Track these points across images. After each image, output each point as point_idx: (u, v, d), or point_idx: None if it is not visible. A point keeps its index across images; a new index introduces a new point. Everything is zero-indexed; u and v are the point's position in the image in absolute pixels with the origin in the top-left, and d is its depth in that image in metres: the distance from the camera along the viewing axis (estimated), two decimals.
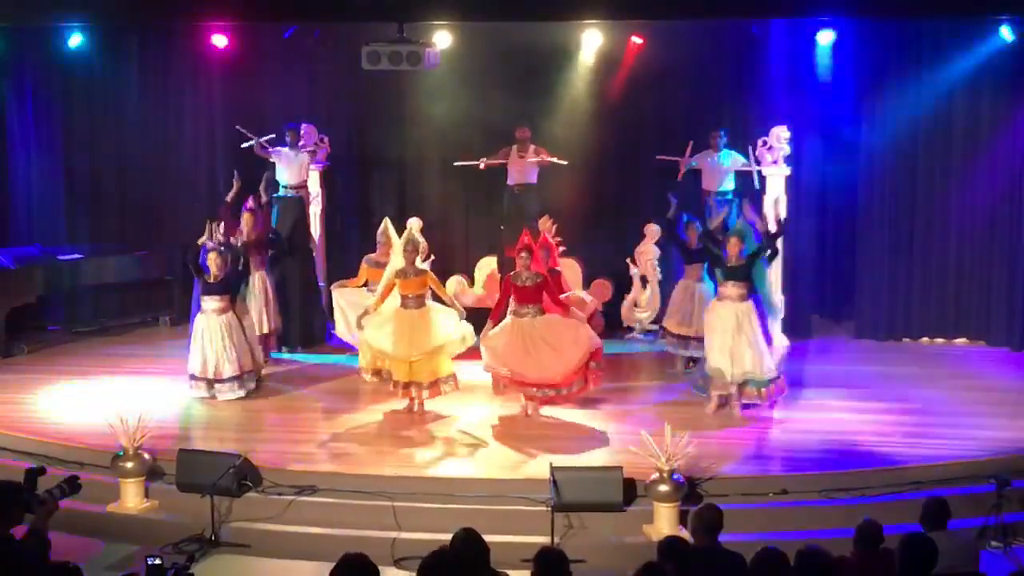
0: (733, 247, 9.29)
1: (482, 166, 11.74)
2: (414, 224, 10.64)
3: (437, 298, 9.70)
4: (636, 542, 7.38)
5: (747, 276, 9.26)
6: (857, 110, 12.04)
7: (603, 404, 9.91)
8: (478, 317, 12.52)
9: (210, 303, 9.99)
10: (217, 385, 9.98)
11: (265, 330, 11.05)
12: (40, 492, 5.51)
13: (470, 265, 12.84)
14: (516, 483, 7.97)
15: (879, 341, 12.32)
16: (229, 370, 9.96)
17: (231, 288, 10.13)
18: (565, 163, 11.60)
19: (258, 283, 11.00)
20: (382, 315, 9.67)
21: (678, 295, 10.76)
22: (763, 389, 9.29)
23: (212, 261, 9.99)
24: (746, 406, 9.40)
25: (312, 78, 12.90)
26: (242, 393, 10.07)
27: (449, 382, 9.58)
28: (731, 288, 9.27)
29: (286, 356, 11.62)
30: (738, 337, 9.18)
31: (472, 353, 10.91)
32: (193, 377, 10.06)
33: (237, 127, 11.64)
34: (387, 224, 10.79)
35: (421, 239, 10.13)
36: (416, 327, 9.44)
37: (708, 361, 9.41)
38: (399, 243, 9.74)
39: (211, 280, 10.02)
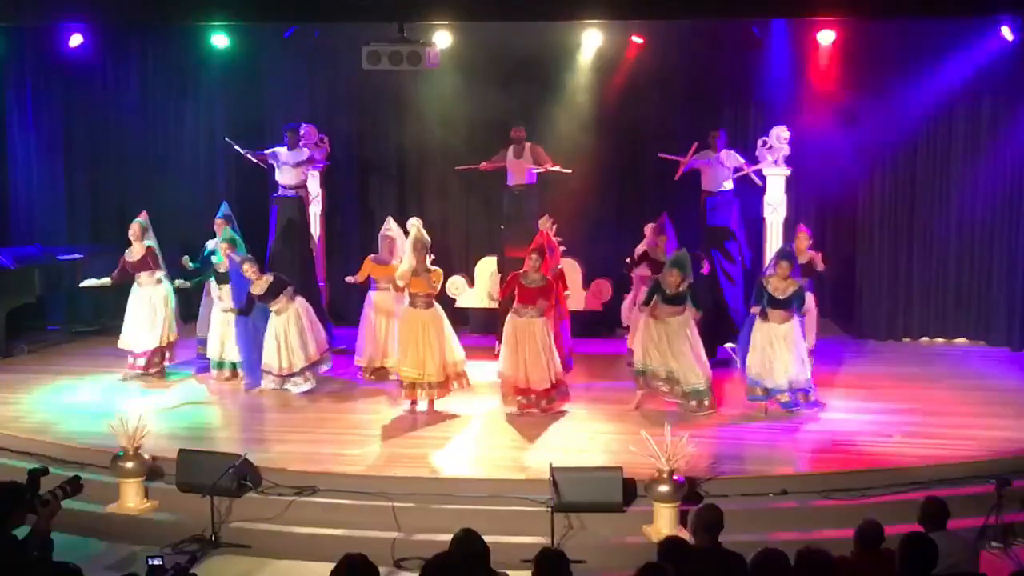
0: (673, 278, 9.47)
1: (482, 168, 11.76)
2: (416, 224, 10.64)
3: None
4: (636, 542, 7.37)
5: (682, 302, 9.54)
6: (857, 110, 12.04)
7: (603, 404, 9.92)
8: (479, 316, 12.63)
9: (272, 306, 10.29)
10: (291, 379, 10.32)
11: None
12: (43, 493, 5.52)
13: (470, 265, 12.86)
14: (516, 483, 7.96)
15: (879, 341, 12.34)
16: (299, 363, 10.29)
17: (277, 294, 10.26)
18: (569, 172, 11.59)
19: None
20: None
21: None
22: (703, 399, 9.52)
23: (249, 272, 10.16)
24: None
25: (312, 78, 12.90)
26: (313, 383, 10.38)
27: (460, 379, 9.69)
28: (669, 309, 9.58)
29: None
30: (667, 347, 9.52)
31: (476, 354, 10.95)
32: (269, 373, 10.33)
33: (227, 139, 11.63)
34: (391, 222, 10.82)
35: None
36: (423, 340, 9.48)
37: (635, 359, 9.79)
38: (409, 243, 9.75)
39: (258, 292, 10.23)
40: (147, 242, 10.75)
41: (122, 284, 10.87)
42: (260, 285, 10.25)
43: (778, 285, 9.46)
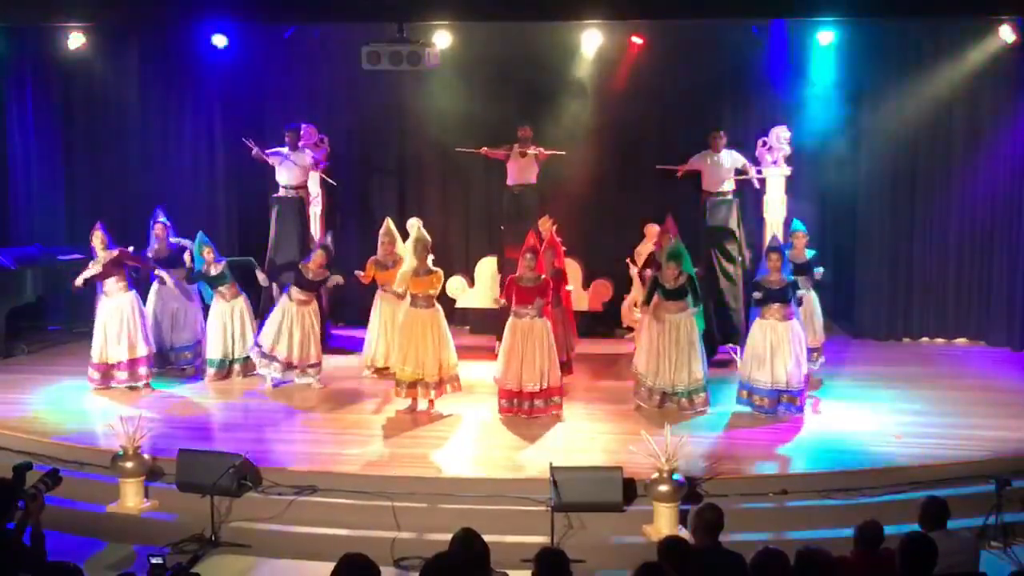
0: (671, 270, 9.50)
1: (483, 152, 11.73)
2: (416, 224, 10.67)
3: None
4: (636, 542, 7.38)
5: (684, 296, 9.55)
6: (857, 110, 12.04)
7: (603, 404, 9.92)
8: (479, 316, 12.62)
9: (300, 295, 10.46)
10: (298, 370, 10.45)
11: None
12: (28, 487, 5.55)
13: (470, 265, 12.86)
14: (516, 483, 7.96)
15: (879, 341, 12.34)
16: (312, 357, 10.50)
17: (319, 286, 10.58)
18: (563, 152, 11.59)
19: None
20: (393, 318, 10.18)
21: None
22: (693, 397, 9.57)
23: (317, 258, 10.46)
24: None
25: (312, 78, 12.89)
26: (312, 380, 10.51)
27: (453, 381, 9.67)
28: (671, 305, 9.58)
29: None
30: (671, 348, 9.52)
31: (476, 353, 10.96)
32: (264, 355, 10.42)
33: (244, 139, 11.62)
34: (389, 223, 10.89)
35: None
36: (423, 340, 9.49)
37: (636, 364, 9.79)
38: (410, 244, 9.76)
39: (311, 277, 10.46)
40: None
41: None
42: (317, 272, 10.46)
43: (773, 277, 9.47)
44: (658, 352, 9.55)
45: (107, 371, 10.41)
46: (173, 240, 11.12)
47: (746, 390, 9.54)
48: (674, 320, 9.54)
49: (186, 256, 11.07)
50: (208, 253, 10.66)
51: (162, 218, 11.10)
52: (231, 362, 10.85)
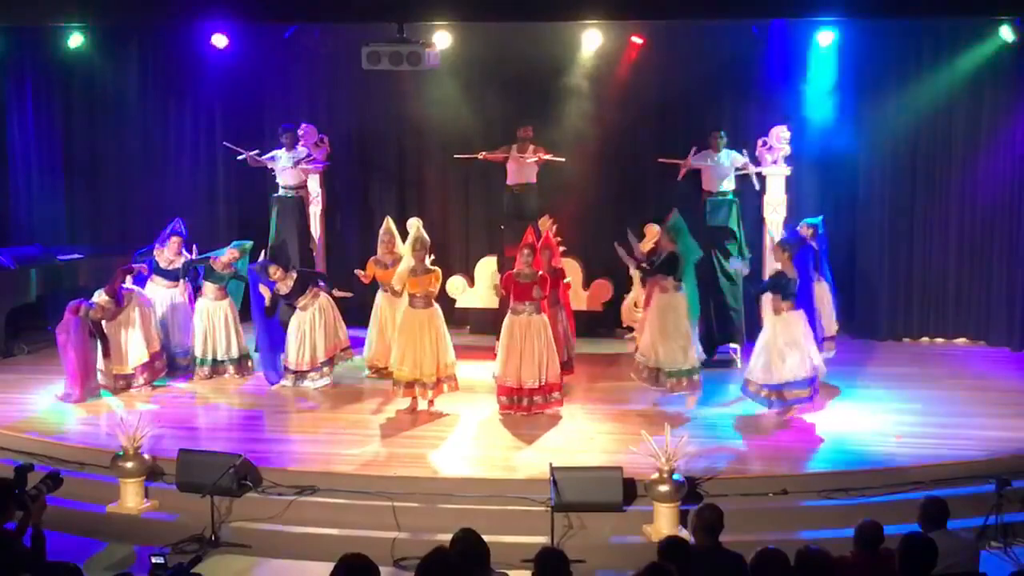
0: (665, 239, 9.58)
1: (481, 157, 11.72)
2: (415, 224, 10.66)
3: None
4: (636, 542, 7.38)
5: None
6: (857, 110, 12.03)
7: (603, 404, 9.92)
8: (478, 316, 12.63)
9: (298, 303, 10.44)
10: (310, 374, 10.40)
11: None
12: (29, 488, 5.57)
13: (470, 265, 12.86)
14: (516, 483, 7.97)
15: (879, 341, 12.33)
16: (321, 356, 10.41)
17: (303, 291, 10.39)
18: (563, 160, 11.59)
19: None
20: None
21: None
22: (682, 379, 9.63)
23: (274, 274, 10.34)
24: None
25: (312, 78, 12.90)
26: (330, 379, 10.49)
27: (450, 381, 9.65)
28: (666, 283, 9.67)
29: None
30: (663, 330, 9.58)
31: (476, 353, 10.96)
32: (287, 370, 10.46)
33: (225, 143, 11.61)
34: (389, 223, 10.89)
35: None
36: (420, 340, 9.49)
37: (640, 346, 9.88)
38: (408, 243, 9.77)
39: (282, 292, 10.37)
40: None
41: None
42: (286, 284, 10.34)
43: (790, 274, 9.46)
44: (655, 333, 9.61)
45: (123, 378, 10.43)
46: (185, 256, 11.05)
47: (754, 384, 9.53)
48: (665, 301, 9.60)
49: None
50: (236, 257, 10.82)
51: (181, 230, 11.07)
52: (221, 361, 10.82)
